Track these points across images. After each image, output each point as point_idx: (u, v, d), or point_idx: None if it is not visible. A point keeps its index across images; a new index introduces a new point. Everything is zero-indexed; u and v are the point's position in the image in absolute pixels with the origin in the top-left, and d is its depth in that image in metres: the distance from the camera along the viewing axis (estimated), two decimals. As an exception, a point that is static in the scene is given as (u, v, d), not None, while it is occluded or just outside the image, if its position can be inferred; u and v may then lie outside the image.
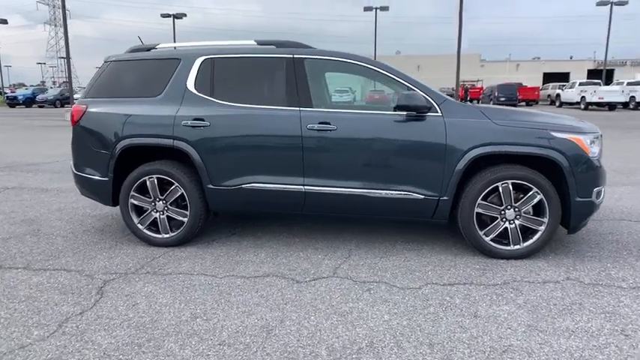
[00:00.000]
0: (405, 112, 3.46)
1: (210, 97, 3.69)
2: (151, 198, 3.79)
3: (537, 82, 48.71)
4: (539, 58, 64.03)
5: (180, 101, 3.70)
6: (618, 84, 28.38)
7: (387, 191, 3.50)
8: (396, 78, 3.57)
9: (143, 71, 3.88)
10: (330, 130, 3.49)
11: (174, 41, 35.62)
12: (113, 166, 3.76)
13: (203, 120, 3.61)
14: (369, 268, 3.36)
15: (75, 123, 3.91)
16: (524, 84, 38.81)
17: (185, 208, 3.77)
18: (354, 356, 2.27)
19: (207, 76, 3.73)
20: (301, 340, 2.42)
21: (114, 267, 3.44)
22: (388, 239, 3.98)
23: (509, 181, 3.36)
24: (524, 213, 3.42)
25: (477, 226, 3.45)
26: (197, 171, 3.69)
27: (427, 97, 3.44)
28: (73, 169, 4.02)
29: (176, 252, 3.74)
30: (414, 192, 3.47)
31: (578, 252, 3.63)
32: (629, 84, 27.20)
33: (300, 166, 3.55)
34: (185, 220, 3.77)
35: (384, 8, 30.09)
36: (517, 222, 3.43)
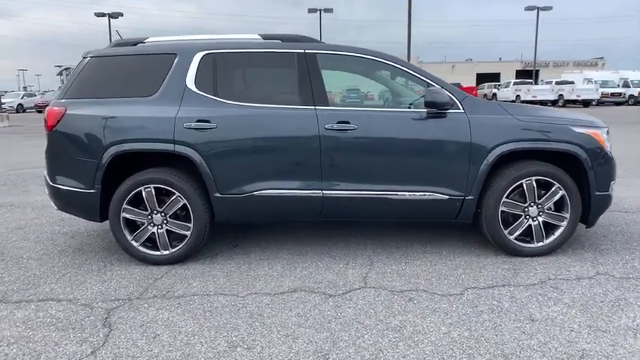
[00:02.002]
0: (425, 110, 3.32)
1: (215, 96, 3.32)
2: (147, 211, 3.34)
3: (471, 82, 51.32)
4: (471, 59, 67.51)
5: (179, 101, 3.29)
6: (547, 83, 30.61)
7: (411, 193, 3.33)
8: (416, 74, 3.41)
9: (132, 68, 3.42)
10: (349, 130, 3.26)
11: (110, 41, 33.66)
12: (101, 176, 3.27)
13: (209, 122, 3.24)
14: (399, 276, 3.17)
15: (50, 128, 3.36)
16: (462, 84, 40.81)
17: (187, 220, 3.37)
18: (431, 377, 2.06)
19: (209, 73, 3.35)
20: (366, 363, 2.17)
21: (112, 292, 2.97)
22: (403, 243, 3.81)
23: (533, 178, 3.32)
24: (547, 209, 3.40)
25: (501, 225, 3.37)
26: (202, 178, 3.30)
27: (449, 93, 3.32)
28: (49, 181, 3.46)
29: (179, 270, 3.32)
30: (438, 192, 3.33)
31: (592, 245, 3.68)
32: (557, 83, 29.43)
33: (318, 169, 3.29)
34: (188, 233, 3.36)
35: (329, 10, 30.17)
36: (540, 219, 3.40)
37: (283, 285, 3.05)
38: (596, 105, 30.10)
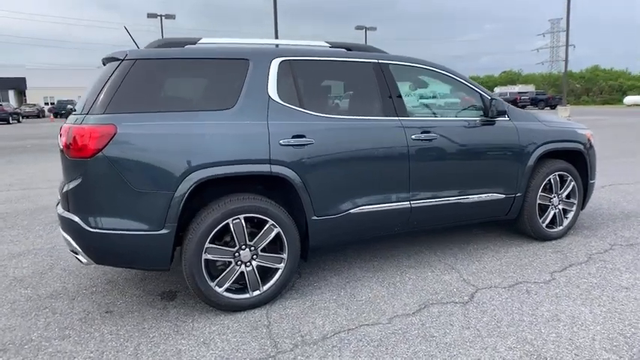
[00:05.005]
0: (478, 118, 3.62)
1: (301, 107, 2.96)
2: (234, 247, 2.77)
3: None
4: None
5: (265, 114, 2.84)
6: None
7: (478, 195, 3.58)
8: (473, 87, 3.68)
9: (196, 74, 2.80)
10: (432, 139, 3.33)
11: None
12: (178, 211, 2.58)
13: (304, 137, 2.88)
14: (489, 273, 3.37)
15: (93, 153, 2.48)
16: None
17: (278, 251, 2.92)
18: (634, 355, 2.33)
19: (290, 82, 2.98)
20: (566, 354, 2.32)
21: (245, 356, 2.39)
22: (453, 245, 4.01)
23: (557, 173, 3.94)
24: (564, 198, 4.07)
25: (538, 216, 3.90)
26: (298, 201, 2.91)
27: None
28: (84, 226, 2.54)
29: (271, 313, 2.85)
30: (497, 193, 3.66)
31: (582, 225, 4.52)
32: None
33: (407, 180, 3.26)
34: (281, 266, 2.92)
35: (170, 16, 28.27)
36: (560, 207, 4.05)
37: (408, 303, 2.93)
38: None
